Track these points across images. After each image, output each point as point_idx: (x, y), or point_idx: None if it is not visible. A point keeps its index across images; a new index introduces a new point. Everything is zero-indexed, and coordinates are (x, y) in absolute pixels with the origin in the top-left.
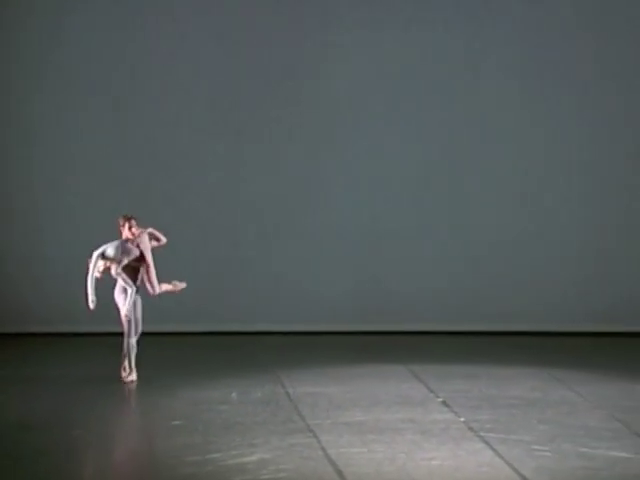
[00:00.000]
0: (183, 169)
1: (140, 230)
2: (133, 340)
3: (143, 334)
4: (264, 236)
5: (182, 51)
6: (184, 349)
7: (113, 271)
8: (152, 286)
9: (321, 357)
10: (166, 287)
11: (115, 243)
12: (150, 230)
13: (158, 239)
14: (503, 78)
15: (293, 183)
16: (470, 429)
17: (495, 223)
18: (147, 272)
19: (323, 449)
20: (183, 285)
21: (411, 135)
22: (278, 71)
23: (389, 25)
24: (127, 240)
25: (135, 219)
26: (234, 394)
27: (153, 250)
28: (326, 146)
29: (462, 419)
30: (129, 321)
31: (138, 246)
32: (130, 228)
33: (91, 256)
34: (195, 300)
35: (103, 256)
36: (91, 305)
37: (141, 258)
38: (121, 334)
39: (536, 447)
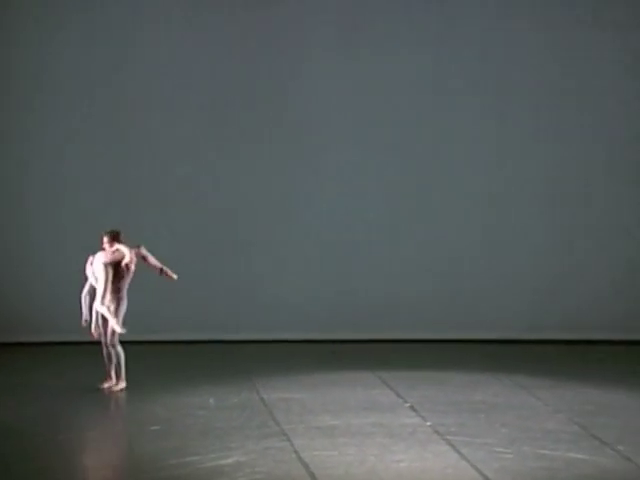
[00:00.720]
0: (163, 180)
1: (115, 247)
2: (119, 348)
3: (125, 343)
4: (240, 246)
5: (166, 66)
6: (164, 357)
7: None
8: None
9: (294, 365)
10: (106, 313)
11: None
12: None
13: (145, 258)
14: (470, 95)
15: (270, 194)
16: (436, 433)
17: (461, 235)
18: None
19: (296, 452)
20: (119, 330)
21: (385, 148)
22: (260, 85)
23: (362, 44)
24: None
25: (112, 234)
26: (212, 400)
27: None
28: (303, 158)
29: (429, 423)
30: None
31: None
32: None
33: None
34: (174, 310)
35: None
36: (84, 323)
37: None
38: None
39: (498, 449)
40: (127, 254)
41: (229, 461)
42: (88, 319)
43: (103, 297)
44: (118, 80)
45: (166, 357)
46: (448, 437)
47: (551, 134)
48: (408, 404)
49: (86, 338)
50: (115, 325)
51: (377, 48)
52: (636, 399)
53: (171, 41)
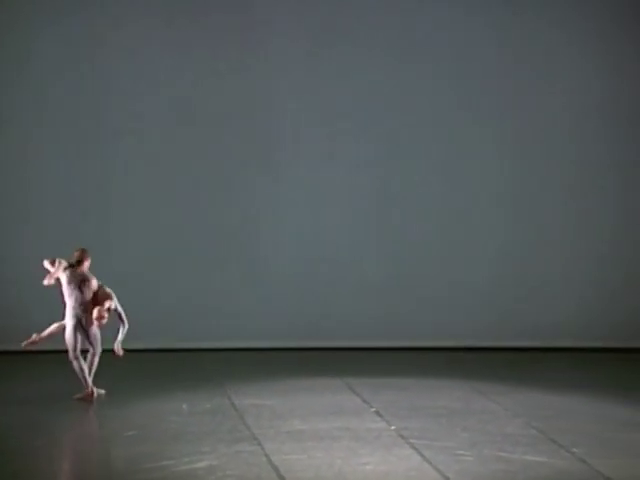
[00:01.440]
0: (133, 192)
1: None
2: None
3: (102, 352)
4: (212, 257)
5: (138, 83)
6: (138, 365)
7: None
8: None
9: (264, 372)
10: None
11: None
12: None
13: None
14: (436, 110)
15: (241, 209)
16: (400, 436)
17: (424, 249)
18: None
19: (267, 456)
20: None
21: (354, 163)
22: (229, 101)
23: (332, 59)
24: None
25: (78, 255)
26: (185, 406)
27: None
28: (272, 173)
29: (393, 427)
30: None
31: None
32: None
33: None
34: (147, 319)
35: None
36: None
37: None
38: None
39: (459, 452)
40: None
41: (202, 464)
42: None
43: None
44: (92, 96)
45: (140, 365)
46: (411, 441)
47: (517, 148)
48: (373, 409)
49: (58, 347)
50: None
51: (346, 64)
52: (590, 404)
53: (145, 58)
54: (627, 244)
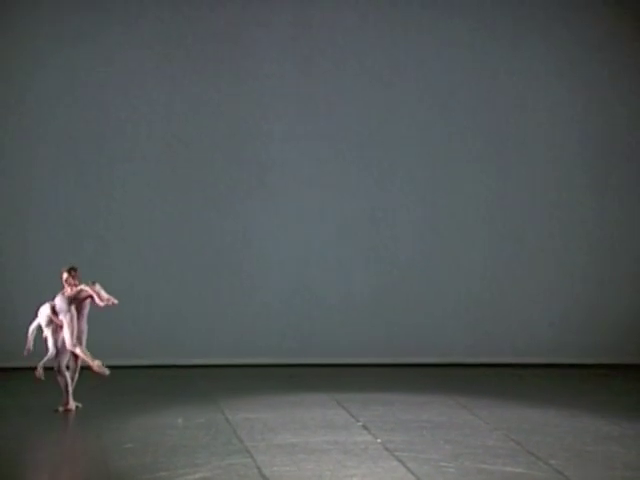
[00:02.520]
0: (132, 219)
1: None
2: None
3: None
4: (203, 279)
5: (137, 112)
6: (135, 381)
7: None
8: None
9: (256, 387)
10: (83, 353)
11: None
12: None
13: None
14: (420, 132)
15: (233, 232)
16: (386, 449)
17: (406, 270)
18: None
19: (258, 468)
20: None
21: (338, 187)
22: (221, 126)
23: (318, 87)
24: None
25: (73, 271)
26: (180, 420)
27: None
28: (261, 198)
29: (379, 440)
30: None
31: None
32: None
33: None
34: (143, 336)
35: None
36: (26, 353)
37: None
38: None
39: (443, 464)
40: (92, 292)
41: (196, 476)
42: (31, 349)
43: (73, 337)
44: (91, 122)
45: (136, 381)
46: (397, 453)
47: (500, 168)
48: (360, 423)
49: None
50: (100, 368)
51: (334, 91)
52: (567, 418)
53: (141, 87)
54: (606, 263)
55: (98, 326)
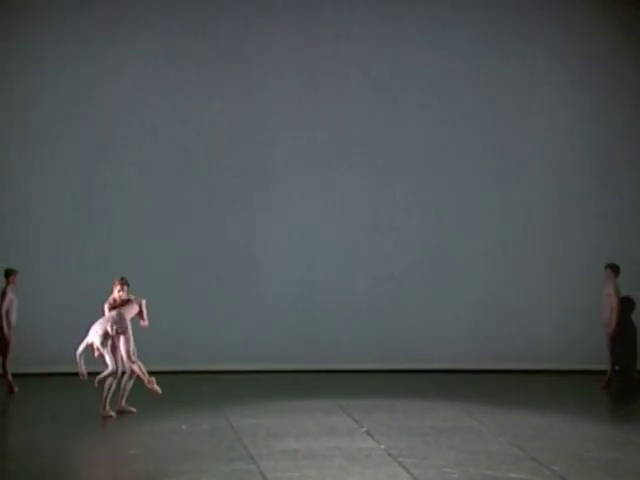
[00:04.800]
0: (138, 230)
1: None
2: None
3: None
4: (209, 287)
5: (141, 124)
6: (139, 388)
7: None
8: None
9: (260, 393)
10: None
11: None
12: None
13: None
14: (424, 143)
15: (238, 240)
16: (390, 455)
17: (409, 277)
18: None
19: (262, 474)
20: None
21: (342, 195)
22: (227, 135)
23: (322, 97)
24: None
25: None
26: (184, 426)
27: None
28: (265, 207)
29: (383, 446)
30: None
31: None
32: (119, 290)
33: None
34: (149, 344)
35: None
36: (82, 377)
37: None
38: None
39: (446, 470)
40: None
41: None
42: (85, 374)
43: (130, 353)
44: (95, 133)
45: (141, 387)
46: (400, 459)
47: (502, 177)
48: (364, 429)
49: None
50: (152, 385)
51: (337, 100)
52: (569, 424)
53: (144, 100)
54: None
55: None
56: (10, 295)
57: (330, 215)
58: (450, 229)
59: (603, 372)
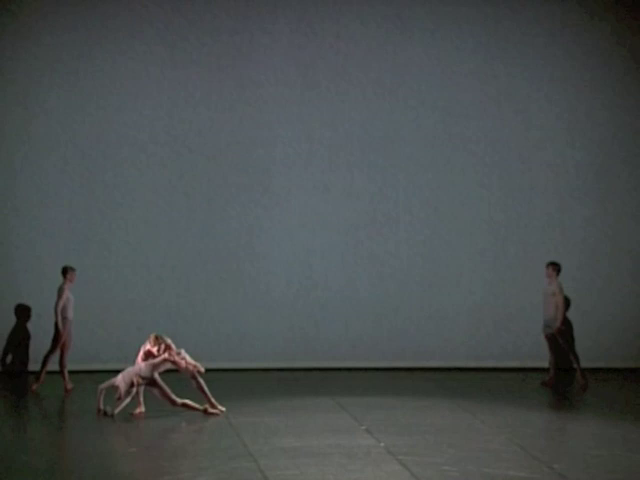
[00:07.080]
0: (137, 225)
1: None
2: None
3: (102, 372)
4: (208, 284)
5: (143, 120)
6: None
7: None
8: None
9: (260, 391)
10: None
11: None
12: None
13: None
14: (423, 143)
15: (238, 237)
16: (389, 453)
17: (410, 275)
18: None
19: (262, 471)
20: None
21: (342, 193)
22: (226, 133)
23: (323, 97)
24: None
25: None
26: (184, 424)
27: None
28: (265, 204)
29: (382, 444)
30: None
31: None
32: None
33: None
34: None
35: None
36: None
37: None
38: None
39: (446, 468)
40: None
41: None
42: (102, 409)
43: (172, 394)
44: (97, 131)
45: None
46: (400, 457)
47: (501, 177)
48: (363, 427)
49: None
50: (211, 410)
51: (338, 100)
52: (570, 421)
53: (141, 91)
54: (608, 269)
55: (102, 330)
56: (67, 292)
57: (330, 213)
58: (450, 227)
59: (603, 370)
